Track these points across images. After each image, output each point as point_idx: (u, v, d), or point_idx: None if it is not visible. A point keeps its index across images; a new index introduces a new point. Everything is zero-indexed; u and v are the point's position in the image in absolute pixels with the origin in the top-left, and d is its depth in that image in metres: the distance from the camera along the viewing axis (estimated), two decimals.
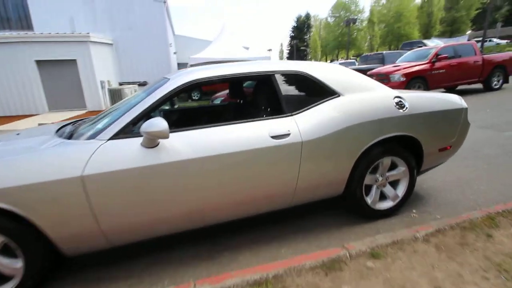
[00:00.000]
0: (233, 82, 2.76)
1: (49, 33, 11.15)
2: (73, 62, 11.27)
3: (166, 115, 2.68)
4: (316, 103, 1.94)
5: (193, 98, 13.02)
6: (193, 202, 1.67)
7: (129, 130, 1.59)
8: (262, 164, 1.74)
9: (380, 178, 2.19)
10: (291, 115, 1.87)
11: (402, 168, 2.22)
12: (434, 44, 15.66)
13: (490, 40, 24.87)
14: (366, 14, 43.97)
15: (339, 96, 2.00)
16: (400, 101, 2.10)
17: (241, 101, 2.85)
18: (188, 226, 1.77)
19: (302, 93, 2.00)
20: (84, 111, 11.14)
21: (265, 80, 1.99)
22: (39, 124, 5.12)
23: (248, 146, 1.69)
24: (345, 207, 2.39)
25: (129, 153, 1.51)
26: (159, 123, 1.44)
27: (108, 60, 13.22)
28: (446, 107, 2.25)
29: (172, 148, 1.58)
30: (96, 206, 1.49)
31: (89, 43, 11.15)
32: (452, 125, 2.30)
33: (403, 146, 2.18)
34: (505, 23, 23.53)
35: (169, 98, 1.69)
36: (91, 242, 1.58)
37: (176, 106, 3.46)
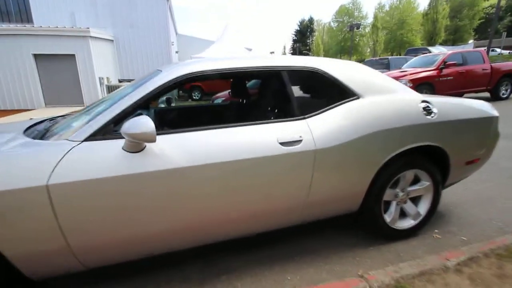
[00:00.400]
0: (237, 78, 2.42)
1: (48, 27, 10.91)
2: (72, 57, 11.00)
3: (158, 114, 2.37)
4: (332, 105, 1.67)
5: (194, 97, 12.73)
6: (185, 219, 1.39)
7: (110, 130, 1.31)
8: (269, 174, 1.47)
9: (401, 194, 1.92)
10: (304, 118, 1.60)
11: (425, 183, 1.95)
12: (439, 51, 15.48)
13: (492, 50, 24.74)
14: (369, 20, 44.13)
15: (358, 98, 1.73)
16: (428, 106, 1.83)
17: (245, 101, 2.54)
18: (177, 246, 1.49)
19: (316, 93, 1.73)
20: (81, 107, 10.86)
21: (273, 77, 1.72)
22: (30, 119, 4.84)
23: (253, 153, 1.42)
24: (359, 225, 2.11)
25: (108, 158, 1.24)
26: (143, 123, 1.17)
27: (108, 57, 12.97)
28: (476, 115, 1.98)
29: (162, 154, 1.30)
30: (64, 222, 1.20)
31: (89, 38, 10.89)
32: (482, 135, 2.03)
33: (427, 158, 1.91)
34: (508, 33, 23.43)
35: (160, 93, 1.42)
36: (59, 263, 1.30)
37: (173, 105, 3.16)
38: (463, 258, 1.63)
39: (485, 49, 9.96)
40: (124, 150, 1.26)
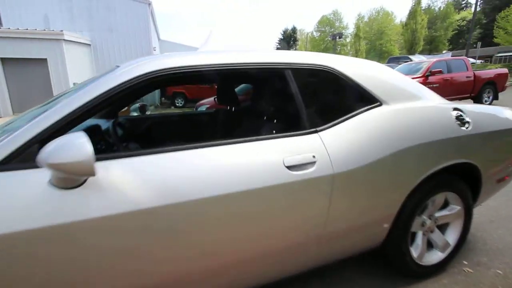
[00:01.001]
0: (226, 78, 1.87)
1: (17, 29, 10.12)
2: (43, 61, 10.23)
3: (122, 126, 1.84)
4: (350, 114, 1.30)
5: (177, 104, 12.12)
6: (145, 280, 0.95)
7: (31, 155, 0.86)
8: (273, 210, 1.08)
9: (428, 222, 1.57)
10: (316, 132, 1.22)
11: (456, 207, 1.62)
12: (419, 59, 15.89)
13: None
14: (350, 30, 45.54)
15: (380, 104, 1.37)
16: (461, 115, 1.51)
17: (236, 109, 2.06)
18: None
19: (330, 99, 1.36)
20: None
21: (274, 77, 1.33)
22: None
23: (250, 183, 1.02)
24: (384, 262, 1.72)
25: (25, 198, 0.79)
26: (73, 147, 0.75)
27: (85, 61, 12.23)
28: (509, 125, 1.68)
29: (115, 188, 0.87)
30: None
31: (63, 42, 10.18)
32: None
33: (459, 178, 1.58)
34: (481, 44, 24.70)
35: (111, 98, 0.98)
36: None
37: (148, 113, 2.67)
38: None
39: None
40: (52, 185, 0.82)
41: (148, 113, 2.60)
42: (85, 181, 0.84)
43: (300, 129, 1.22)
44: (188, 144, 1.03)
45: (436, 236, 1.64)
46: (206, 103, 6.19)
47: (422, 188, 1.41)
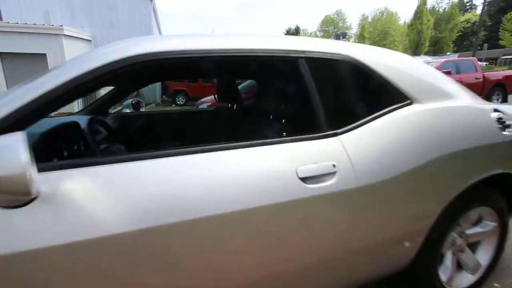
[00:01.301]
0: (229, 68, 1.59)
1: (16, 23, 9.96)
2: (42, 56, 10.07)
3: (105, 126, 1.58)
4: (376, 114, 1.09)
5: (178, 102, 11.89)
6: None
7: None
8: (276, 234, 0.87)
9: (459, 240, 1.35)
10: (336, 135, 1.00)
11: (490, 224, 1.41)
12: (425, 60, 15.66)
13: None
14: (353, 30, 45.34)
15: (411, 103, 1.15)
16: (501, 118, 1.29)
17: (238, 106, 1.82)
18: None
19: (352, 95, 1.14)
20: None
21: (285, 68, 1.11)
22: None
23: (256, 200, 0.81)
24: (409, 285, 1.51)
25: None
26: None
27: None
28: None
29: (77, 207, 0.66)
30: None
31: (62, 37, 10.03)
32: None
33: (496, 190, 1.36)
34: (486, 46, 24.36)
35: (77, 89, 0.77)
36: None
37: (142, 110, 2.45)
38: None
39: None
40: None
41: (142, 109, 2.39)
42: (33, 199, 0.63)
43: (316, 131, 1.01)
44: (175, 149, 0.81)
45: (466, 256, 1.42)
46: (207, 101, 5.97)
47: (458, 201, 1.20)
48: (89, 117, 1.34)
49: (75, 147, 1.17)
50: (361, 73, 1.12)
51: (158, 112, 1.96)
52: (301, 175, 0.89)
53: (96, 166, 0.73)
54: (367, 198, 0.97)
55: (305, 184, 0.88)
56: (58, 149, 1.09)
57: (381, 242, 1.10)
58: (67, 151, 1.13)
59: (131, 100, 2.28)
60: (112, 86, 1.64)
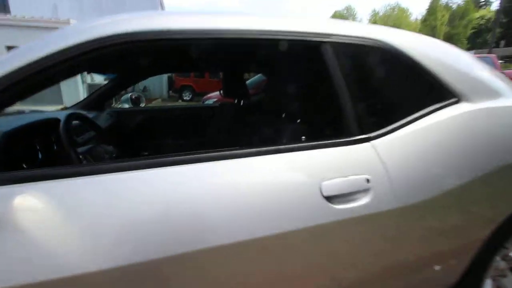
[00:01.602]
0: (236, 55, 1.32)
1: (24, 17, 9.96)
2: None
3: (66, 124, 1.22)
4: (417, 114, 0.87)
5: (184, 98, 11.70)
6: None
7: None
8: (298, 265, 0.67)
9: (502, 263, 1.14)
10: (368, 140, 0.80)
11: None
12: None
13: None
14: None
15: (458, 101, 0.93)
16: None
17: (245, 103, 1.58)
18: None
19: (387, 90, 0.93)
20: (60, 107, 9.86)
21: (303, 54, 0.91)
22: None
23: (270, 226, 0.61)
24: None
25: None
26: None
27: None
28: None
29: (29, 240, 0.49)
30: None
31: None
32: None
33: None
34: (503, 43, 23.45)
35: (36, 79, 0.62)
36: None
37: (142, 106, 2.28)
38: None
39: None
40: None
41: (142, 105, 2.21)
42: None
43: (343, 135, 0.80)
44: (167, 157, 0.62)
45: (508, 282, 1.21)
46: (213, 97, 5.78)
47: (509, 220, 0.98)
48: (68, 113, 1.14)
49: (46, 152, 0.99)
50: (398, 63, 0.90)
51: (157, 108, 1.79)
52: (326, 193, 0.69)
53: (67, 179, 0.56)
54: (409, 221, 0.76)
55: (331, 205, 0.68)
56: (23, 155, 0.92)
57: (418, 267, 0.90)
58: (35, 157, 0.96)
59: (130, 94, 2.11)
60: (87, 72, 1.45)
